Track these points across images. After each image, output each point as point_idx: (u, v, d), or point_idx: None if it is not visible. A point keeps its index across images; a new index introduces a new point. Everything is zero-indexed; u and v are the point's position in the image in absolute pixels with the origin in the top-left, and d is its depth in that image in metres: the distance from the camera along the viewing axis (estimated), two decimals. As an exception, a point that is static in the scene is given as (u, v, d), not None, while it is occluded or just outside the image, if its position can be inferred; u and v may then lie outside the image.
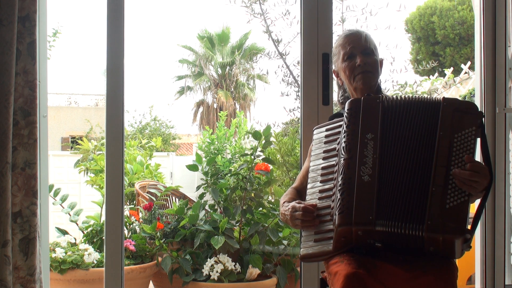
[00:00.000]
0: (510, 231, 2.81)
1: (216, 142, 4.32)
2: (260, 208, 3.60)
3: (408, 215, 1.64)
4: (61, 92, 16.77)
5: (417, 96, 1.80)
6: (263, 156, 3.68)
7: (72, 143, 13.32)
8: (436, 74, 8.27)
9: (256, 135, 3.52)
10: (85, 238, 3.65)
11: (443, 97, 1.76)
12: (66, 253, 3.36)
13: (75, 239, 3.62)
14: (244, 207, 3.50)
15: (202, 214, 3.55)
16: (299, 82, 3.21)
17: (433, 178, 1.65)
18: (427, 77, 8.36)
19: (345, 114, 1.79)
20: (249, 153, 3.60)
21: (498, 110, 2.77)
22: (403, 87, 6.77)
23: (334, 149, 1.82)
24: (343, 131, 1.77)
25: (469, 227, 1.65)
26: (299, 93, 3.19)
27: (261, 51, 15.32)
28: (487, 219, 2.78)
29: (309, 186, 1.84)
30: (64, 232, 3.68)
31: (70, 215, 3.76)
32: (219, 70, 17.86)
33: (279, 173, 4.50)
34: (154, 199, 4.04)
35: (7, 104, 2.33)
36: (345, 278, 1.60)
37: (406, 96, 1.79)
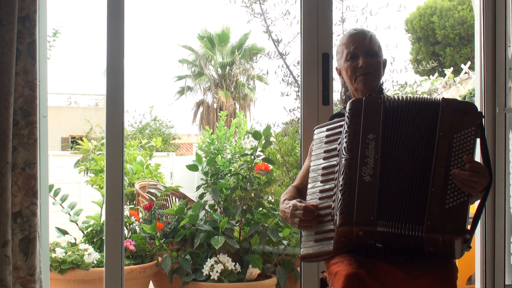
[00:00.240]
0: (510, 231, 2.81)
1: (216, 142, 4.32)
2: (260, 208, 3.60)
3: (408, 215, 1.64)
4: (61, 92, 16.78)
5: (418, 96, 1.80)
6: (263, 156, 3.68)
7: (72, 143, 13.33)
8: (436, 74, 8.26)
9: (256, 135, 3.52)
10: (85, 238, 3.65)
11: (443, 98, 1.76)
12: (66, 253, 3.36)
13: (75, 239, 3.62)
14: (244, 207, 3.50)
15: (202, 214, 3.55)
16: (299, 82, 3.21)
17: (433, 179, 1.65)
18: (427, 77, 8.35)
19: (347, 114, 1.78)
20: (249, 153, 3.60)
21: (498, 110, 2.77)
22: (403, 87, 6.77)
23: (335, 149, 1.81)
24: (345, 131, 1.77)
25: (468, 227, 1.65)
26: (299, 93, 3.19)
27: (261, 51, 15.32)
28: (487, 219, 2.78)
29: (309, 186, 1.84)
30: (64, 232, 3.68)
31: (70, 215, 3.76)
32: (219, 70, 17.86)
33: (279, 173, 4.50)
34: (154, 199, 4.04)
35: (7, 104, 2.33)
36: (345, 278, 1.60)
37: (408, 96, 1.79)
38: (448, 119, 1.70)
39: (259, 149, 3.54)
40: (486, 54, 2.80)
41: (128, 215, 3.85)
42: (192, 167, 3.69)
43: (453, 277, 1.67)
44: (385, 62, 2.05)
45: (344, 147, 1.74)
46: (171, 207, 4.31)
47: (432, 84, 7.68)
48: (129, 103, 17.02)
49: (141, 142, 6.74)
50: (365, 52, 1.96)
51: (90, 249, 3.42)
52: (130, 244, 3.49)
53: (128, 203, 4.90)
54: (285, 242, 3.51)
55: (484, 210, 2.75)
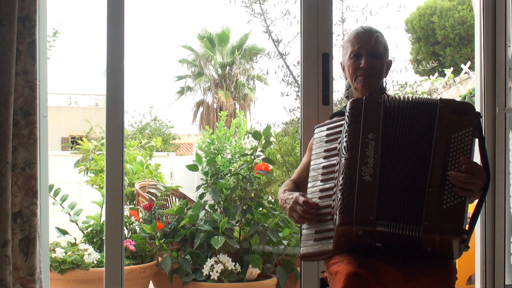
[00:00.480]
0: (510, 231, 2.81)
1: (216, 142, 4.32)
2: (260, 208, 3.60)
3: (406, 215, 1.64)
4: (61, 92, 16.78)
5: (418, 96, 1.80)
6: (263, 156, 3.68)
7: (72, 143, 13.32)
8: (436, 74, 8.26)
9: (256, 135, 3.52)
10: (85, 238, 3.65)
11: (440, 98, 1.77)
12: (66, 253, 3.36)
13: (75, 239, 3.62)
14: (244, 207, 3.50)
15: (202, 214, 3.55)
16: (299, 82, 3.21)
17: (430, 179, 1.66)
18: (427, 77, 8.35)
19: (347, 113, 1.79)
20: (249, 153, 3.60)
21: (498, 110, 2.77)
22: (403, 87, 6.77)
23: (335, 148, 1.82)
24: (345, 131, 1.77)
25: (466, 227, 1.65)
26: (299, 93, 3.19)
27: (261, 51, 15.31)
28: (487, 219, 2.78)
29: (309, 185, 1.84)
30: (64, 232, 3.68)
31: (70, 215, 3.75)
32: (219, 70, 17.86)
33: (279, 173, 4.50)
34: (154, 199, 4.04)
35: (7, 104, 2.33)
36: (346, 278, 1.60)
37: (408, 96, 1.79)
38: (445, 120, 1.71)
39: (259, 149, 3.55)
40: (486, 54, 2.80)
41: (128, 215, 3.85)
42: (192, 167, 3.69)
43: (451, 279, 1.67)
44: (390, 63, 2.04)
45: (344, 147, 1.74)
46: (171, 207, 4.31)
47: (432, 84, 7.68)
48: (129, 103, 17.04)
49: (141, 142, 6.74)
50: (369, 53, 1.95)
51: (90, 249, 3.42)
52: (130, 244, 3.49)
53: (128, 203, 4.90)
54: (285, 242, 3.51)
55: (483, 209, 2.75)
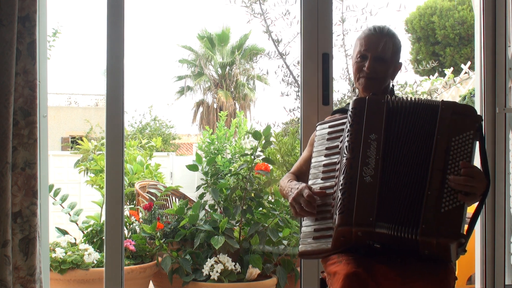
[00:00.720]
0: (510, 231, 2.81)
1: (216, 142, 4.32)
2: (260, 208, 3.60)
3: (404, 218, 1.64)
4: (61, 92, 16.78)
5: (421, 98, 1.80)
6: (263, 156, 3.68)
7: (72, 143, 13.32)
8: (436, 74, 8.26)
9: (256, 135, 3.52)
10: (85, 238, 3.65)
11: (442, 100, 1.76)
12: (66, 253, 3.36)
13: (75, 239, 3.62)
14: (244, 207, 3.50)
15: (202, 214, 3.55)
16: (299, 82, 3.21)
17: (429, 182, 1.65)
18: (427, 77, 8.35)
19: (349, 113, 1.78)
20: (249, 153, 3.60)
21: (498, 110, 2.77)
22: (403, 87, 6.76)
23: (336, 146, 1.82)
24: (347, 130, 1.76)
25: (465, 230, 1.65)
26: (299, 93, 3.19)
27: (261, 51, 15.30)
28: (487, 219, 2.78)
29: (310, 182, 1.83)
30: (64, 232, 3.68)
31: (70, 215, 3.75)
32: (219, 70, 17.86)
33: (279, 173, 4.49)
34: (154, 199, 4.04)
35: (7, 104, 2.33)
36: (345, 278, 1.60)
37: (411, 97, 1.78)
38: (446, 122, 1.70)
39: (259, 149, 3.54)
40: (486, 54, 2.80)
41: (128, 215, 3.85)
42: (192, 167, 3.69)
43: (449, 281, 1.67)
44: (399, 65, 1.99)
45: (346, 146, 1.74)
46: (171, 207, 4.31)
47: (432, 84, 7.67)
48: (129, 103, 17.05)
49: (141, 142, 6.74)
50: (374, 57, 1.92)
51: (90, 249, 3.42)
52: (130, 244, 3.49)
53: (128, 203, 4.90)
54: (285, 242, 3.51)
55: (483, 209, 2.75)
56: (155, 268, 3.52)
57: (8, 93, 2.33)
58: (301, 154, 2.69)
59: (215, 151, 4.27)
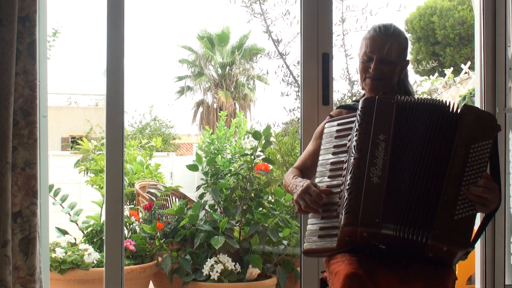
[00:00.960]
0: (510, 231, 2.81)
1: (216, 142, 4.32)
2: (260, 208, 3.60)
3: (416, 221, 1.63)
4: (61, 92, 16.78)
5: (432, 98, 1.78)
6: (263, 156, 3.68)
7: (72, 143, 13.32)
8: (436, 74, 8.25)
9: (256, 135, 3.52)
10: (85, 238, 3.65)
11: (464, 104, 1.73)
12: (66, 253, 3.36)
13: (75, 239, 3.62)
14: (244, 207, 3.50)
15: (202, 214, 3.55)
16: (299, 82, 3.21)
17: (445, 187, 1.64)
18: (427, 77, 8.34)
19: (358, 112, 1.77)
20: (249, 153, 3.60)
21: (498, 110, 2.77)
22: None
23: (344, 145, 1.81)
24: (355, 129, 1.76)
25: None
26: (299, 93, 3.19)
27: (261, 51, 15.30)
28: (487, 219, 2.78)
29: (317, 180, 1.82)
30: (64, 232, 3.68)
31: (70, 215, 3.76)
32: (219, 70, 17.86)
33: (279, 173, 4.49)
34: (154, 199, 4.04)
35: (7, 104, 2.33)
36: (345, 278, 1.60)
37: (422, 98, 1.76)
38: (468, 128, 1.68)
39: (259, 149, 3.54)
40: (486, 54, 2.80)
41: (128, 215, 3.85)
42: (192, 167, 3.69)
43: (450, 282, 1.68)
44: (405, 63, 1.98)
45: (354, 146, 1.73)
46: (171, 207, 4.31)
47: (432, 84, 7.67)
48: (129, 103, 17.03)
49: (141, 142, 6.74)
50: (379, 59, 1.91)
51: (90, 249, 3.42)
52: (130, 244, 3.49)
53: (128, 203, 4.90)
54: (285, 242, 3.51)
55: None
56: (155, 268, 3.52)
57: (8, 93, 2.33)
58: (301, 153, 2.69)
59: (215, 151, 4.27)
